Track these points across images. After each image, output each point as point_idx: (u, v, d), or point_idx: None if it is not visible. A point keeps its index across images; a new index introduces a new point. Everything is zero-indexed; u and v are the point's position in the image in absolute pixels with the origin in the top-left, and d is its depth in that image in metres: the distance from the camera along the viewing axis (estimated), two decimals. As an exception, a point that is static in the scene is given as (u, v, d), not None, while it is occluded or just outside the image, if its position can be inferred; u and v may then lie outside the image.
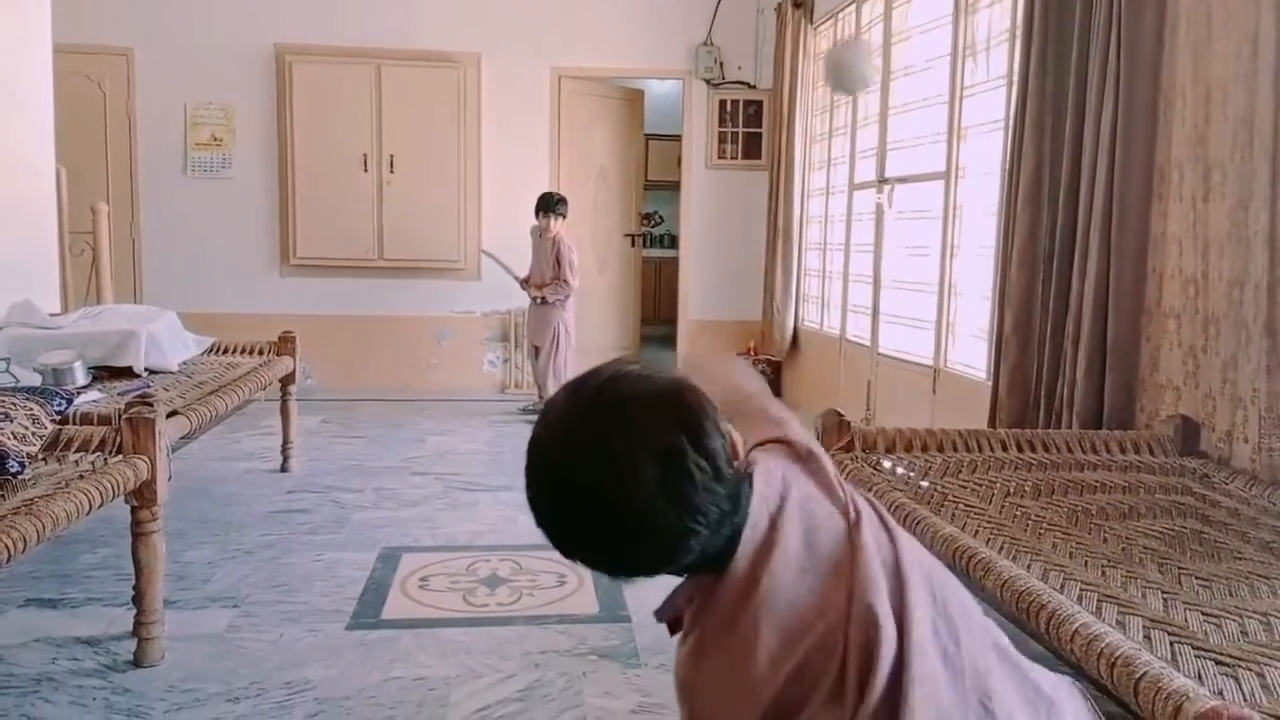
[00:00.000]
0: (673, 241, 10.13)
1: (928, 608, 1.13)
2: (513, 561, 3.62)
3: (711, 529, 1.08)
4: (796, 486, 1.16)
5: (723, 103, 7.41)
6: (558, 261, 6.10)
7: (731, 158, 7.47)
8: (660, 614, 1.22)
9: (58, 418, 2.86)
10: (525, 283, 6.31)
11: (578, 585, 3.39)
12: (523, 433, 6.24)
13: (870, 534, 1.14)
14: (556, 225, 6.11)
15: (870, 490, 2.51)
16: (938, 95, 4.72)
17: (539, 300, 6.21)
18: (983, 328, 4.25)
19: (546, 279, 6.17)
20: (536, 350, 6.34)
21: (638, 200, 8.22)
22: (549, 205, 6.11)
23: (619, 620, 3.10)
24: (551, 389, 6.11)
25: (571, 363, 6.21)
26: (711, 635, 1.11)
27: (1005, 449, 2.86)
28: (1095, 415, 3.23)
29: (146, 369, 3.78)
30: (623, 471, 1.05)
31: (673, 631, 1.22)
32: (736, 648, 1.08)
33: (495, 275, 6.59)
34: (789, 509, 1.13)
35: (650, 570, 1.12)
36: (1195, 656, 1.58)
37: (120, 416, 2.68)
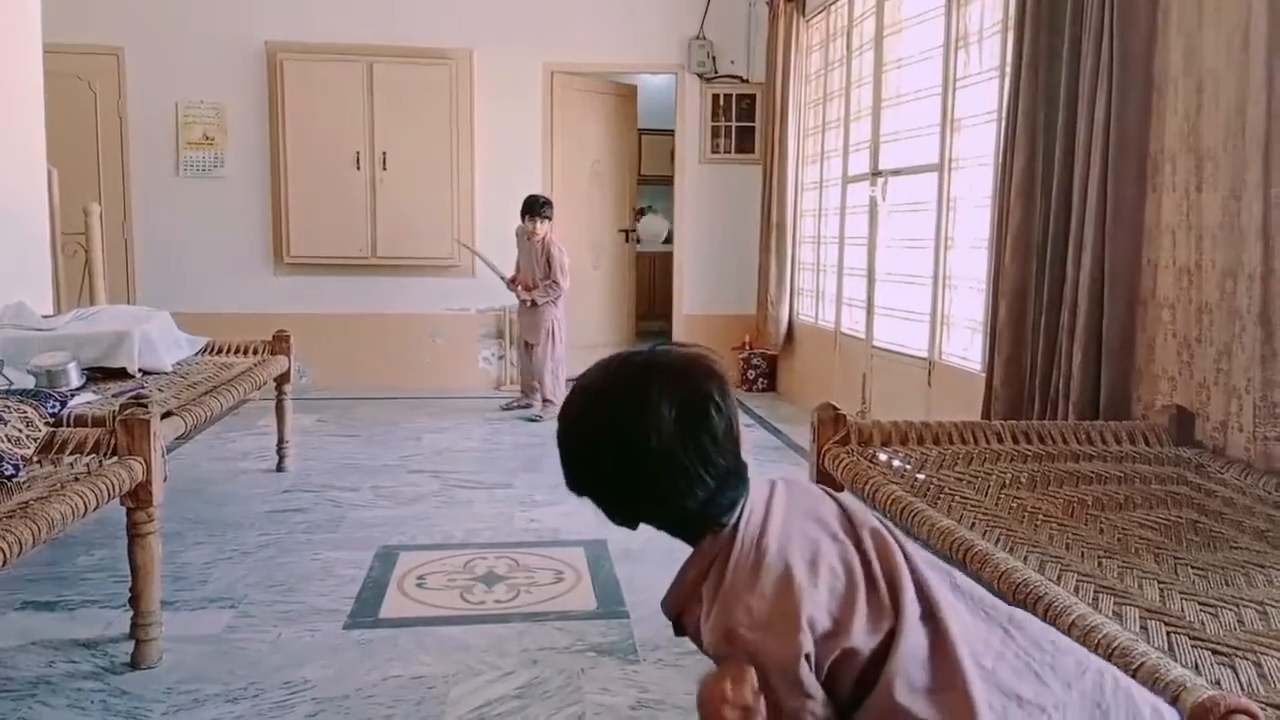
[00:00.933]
0: (667, 236, 10.12)
1: (918, 550, 1.30)
2: (510, 559, 3.61)
3: (719, 481, 1.24)
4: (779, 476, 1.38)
5: (716, 97, 7.40)
6: (548, 263, 6.11)
7: (725, 152, 7.47)
8: (667, 602, 1.31)
9: (52, 420, 2.85)
10: (512, 283, 6.32)
11: (575, 581, 3.39)
12: (519, 429, 6.24)
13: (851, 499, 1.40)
14: (543, 228, 6.13)
15: (866, 483, 2.51)
16: (931, 87, 4.72)
17: (528, 303, 6.22)
18: (977, 319, 4.25)
19: (536, 280, 6.18)
20: (527, 346, 6.36)
21: (631, 195, 8.21)
22: (534, 208, 6.13)
23: (617, 616, 3.10)
24: (549, 384, 6.15)
25: (566, 358, 6.24)
26: (741, 582, 1.21)
27: (1001, 441, 2.86)
28: (1092, 406, 3.24)
29: (140, 370, 3.77)
30: (650, 406, 1.21)
31: (678, 631, 1.31)
32: (772, 578, 1.20)
33: (489, 272, 6.59)
34: (778, 487, 1.34)
35: (657, 509, 1.26)
36: (1192, 646, 1.59)
37: (114, 418, 2.67)
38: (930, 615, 1.22)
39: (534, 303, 6.18)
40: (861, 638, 1.18)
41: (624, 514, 1.30)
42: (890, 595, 1.22)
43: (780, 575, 1.20)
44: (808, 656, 1.15)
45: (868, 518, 1.31)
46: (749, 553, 1.23)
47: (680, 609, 1.30)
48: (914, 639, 1.20)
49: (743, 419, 1.30)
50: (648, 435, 1.21)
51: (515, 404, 6.48)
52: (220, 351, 4.50)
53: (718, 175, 7.47)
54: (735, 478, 1.27)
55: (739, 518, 1.26)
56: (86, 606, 3.12)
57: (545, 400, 6.18)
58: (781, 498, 1.31)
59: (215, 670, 2.69)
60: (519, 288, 6.27)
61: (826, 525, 1.28)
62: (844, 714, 1.20)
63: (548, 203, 6.20)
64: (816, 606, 1.18)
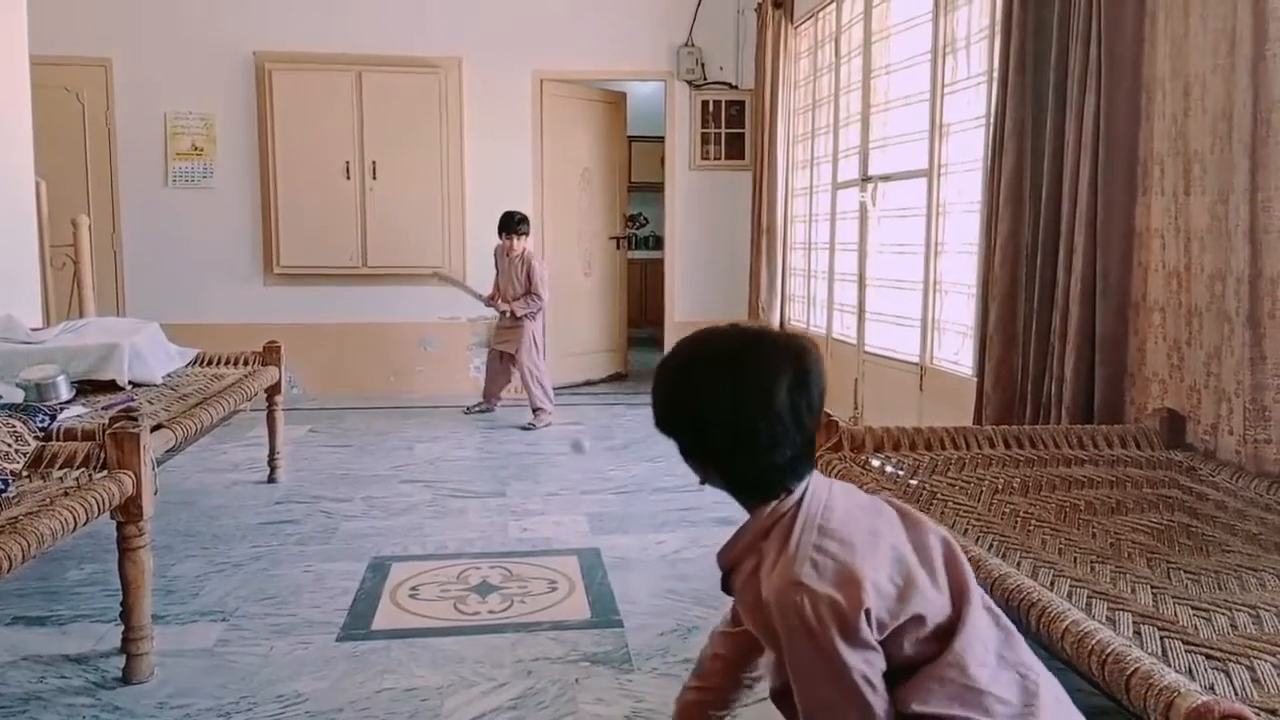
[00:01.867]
0: (658, 243, 10.13)
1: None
2: (503, 568, 3.60)
3: (804, 445, 1.40)
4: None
5: (705, 103, 7.41)
6: (529, 277, 6.21)
7: (715, 158, 7.48)
8: (723, 554, 1.47)
9: (41, 434, 2.83)
10: (490, 301, 6.38)
11: (569, 591, 3.38)
12: (510, 438, 6.21)
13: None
14: (520, 244, 6.23)
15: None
16: (919, 93, 4.73)
17: (508, 314, 6.29)
18: (968, 324, 4.25)
19: (517, 294, 6.26)
20: (501, 356, 6.44)
21: (622, 202, 8.21)
22: (510, 225, 6.24)
23: (611, 625, 3.09)
24: (538, 394, 6.18)
25: (548, 368, 6.36)
26: (809, 541, 1.34)
27: (993, 445, 2.87)
28: (1085, 409, 3.24)
29: (130, 382, 3.75)
30: (770, 365, 1.38)
31: (725, 585, 1.48)
32: (836, 542, 1.33)
33: (480, 280, 6.59)
34: (838, 483, 1.49)
35: (749, 458, 1.39)
36: (1186, 651, 1.59)
37: (104, 431, 2.66)
38: (991, 612, 1.37)
39: (514, 315, 6.24)
40: (931, 594, 1.31)
41: (707, 461, 1.44)
42: (953, 589, 1.35)
43: (844, 540, 1.34)
44: (868, 612, 1.25)
45: (935, 525, 1.44)
46: (814, 520, 1.37)
47: (733, 564, 1.45)
48: (980, 622, 1.33)
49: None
50: (766, 389, 1.36)
51: (476, 408, 6.58)
52: (210, 363, 4.49)
53: (708, 181, 7.48)
54: (811, 450, 1.44)
55: (804, 491, 1.41)
56: (77, 621, 3.10)
57: (535, 409, 6.19)
58: (841, 488, 1.46)
59: (207, 684, 2.67)
60: (499, 301, 6.32)
61: (883, 514, 1.42)
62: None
63: (524, 219, 6.30)
64: (878, 571, 1.30)
